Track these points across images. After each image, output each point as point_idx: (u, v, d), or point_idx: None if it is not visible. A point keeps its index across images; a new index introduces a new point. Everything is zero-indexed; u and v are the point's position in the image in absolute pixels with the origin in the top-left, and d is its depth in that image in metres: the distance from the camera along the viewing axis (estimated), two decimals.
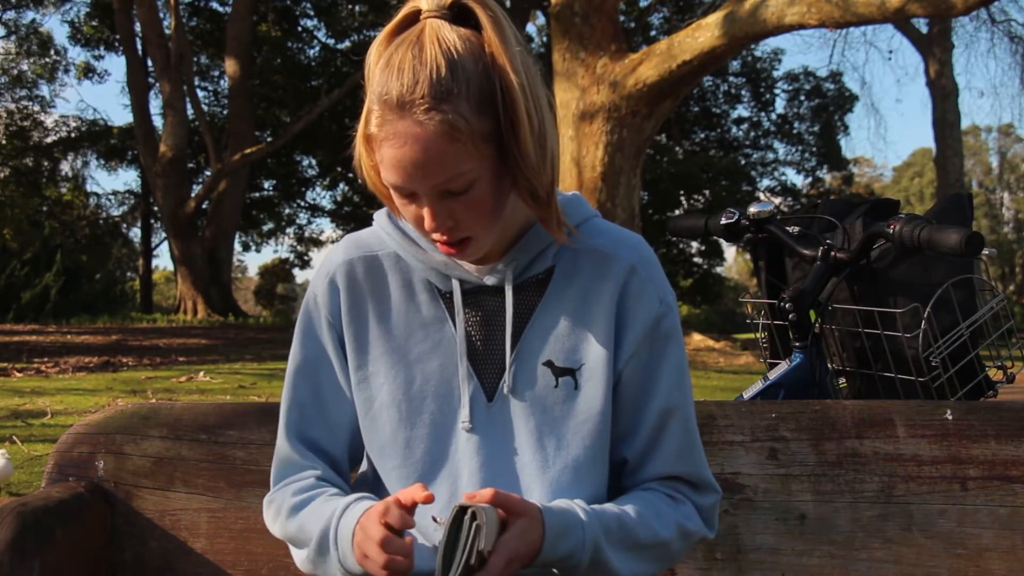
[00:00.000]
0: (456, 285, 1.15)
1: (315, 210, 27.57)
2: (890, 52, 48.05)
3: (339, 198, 27.03)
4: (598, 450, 1.15)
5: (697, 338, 11.82)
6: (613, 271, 1.15)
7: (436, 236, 1.08)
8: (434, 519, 1.08)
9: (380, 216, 1.21)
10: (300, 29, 23.74)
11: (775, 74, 26.70)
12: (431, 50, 0.99)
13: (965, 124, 41.05)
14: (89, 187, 32.56)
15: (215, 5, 23.60)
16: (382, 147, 1.02)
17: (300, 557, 1.17)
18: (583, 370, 1.14)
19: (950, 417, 1.38)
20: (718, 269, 28.09)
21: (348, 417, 1.20)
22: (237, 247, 25.64)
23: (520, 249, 1.15)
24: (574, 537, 1.06)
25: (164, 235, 22.19)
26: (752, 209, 2.04)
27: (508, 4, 24.60)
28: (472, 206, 1.04)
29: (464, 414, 1.14)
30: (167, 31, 18.92)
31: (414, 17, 1.03)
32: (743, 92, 26.98)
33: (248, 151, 18.10)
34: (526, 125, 1.01)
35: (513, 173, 1.04)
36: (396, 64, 1.00)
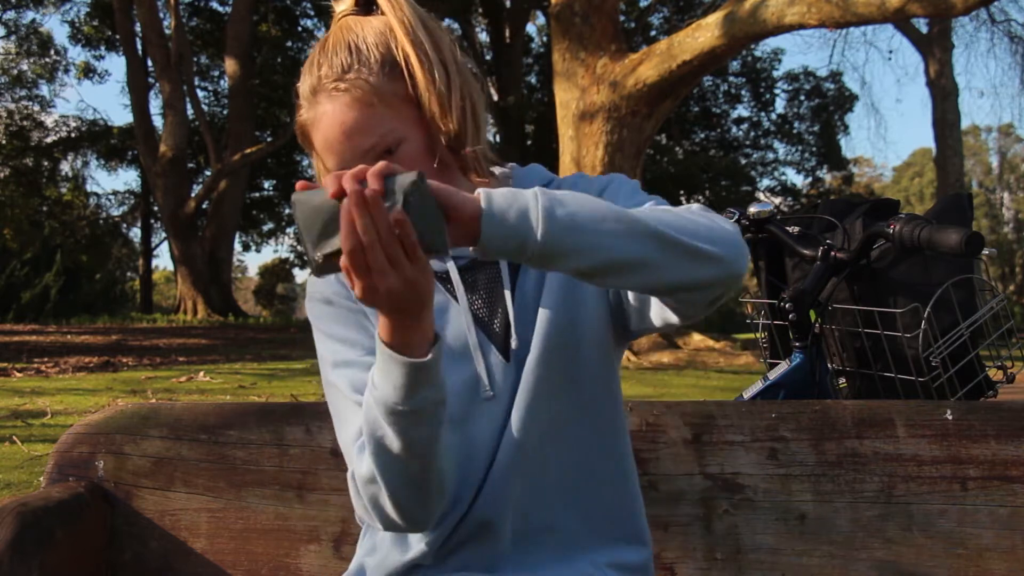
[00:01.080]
0: (451, 264, 1.19)
1: None
2: (890, 52, 48.12)
3: None
4: (607, 364, 1.19)
5: (697, 338, 11.80)
6: None
7: None
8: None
9: None
10: (300, 29, 23.76)
11: (775, 74, 26.73)
12: (332, 40, 1.11)
13: (965, 124, 41.07)
14: (89, 187, 32.61)
15: (215, 5, 23.63)
16: (313, 137, 1.11)
17: (369, 489, 1.10)
18: (591, 300, 1.17)
19: (950, 417, 1.38)
20: None
21: None
22: (237, 247, 25.67)
23: None
24: (520, 198, 0.95)
25: (164, 235, 22.21)
26: (752, 209, 2.04)
27: (508, 4, 24.64)
28: (408, 167, 1.06)
29: (484, 382, 1.15)
30: (167, 31, 18.93)
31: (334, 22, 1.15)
32: (743, 92, 27.00)
33: (248, 151, 18.11)
34: (423, 80, 1.08)
35: (430, 128, 1.10)
36: (308, 62, 1.12)
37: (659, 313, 1.11)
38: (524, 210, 0.94)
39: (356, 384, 1.13)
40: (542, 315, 1.16)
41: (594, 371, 1.19)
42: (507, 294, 1.17)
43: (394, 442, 1.03)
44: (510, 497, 1.15)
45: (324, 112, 1.09)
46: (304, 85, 1.11)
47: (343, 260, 0.92)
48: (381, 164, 0.93)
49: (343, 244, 0.91)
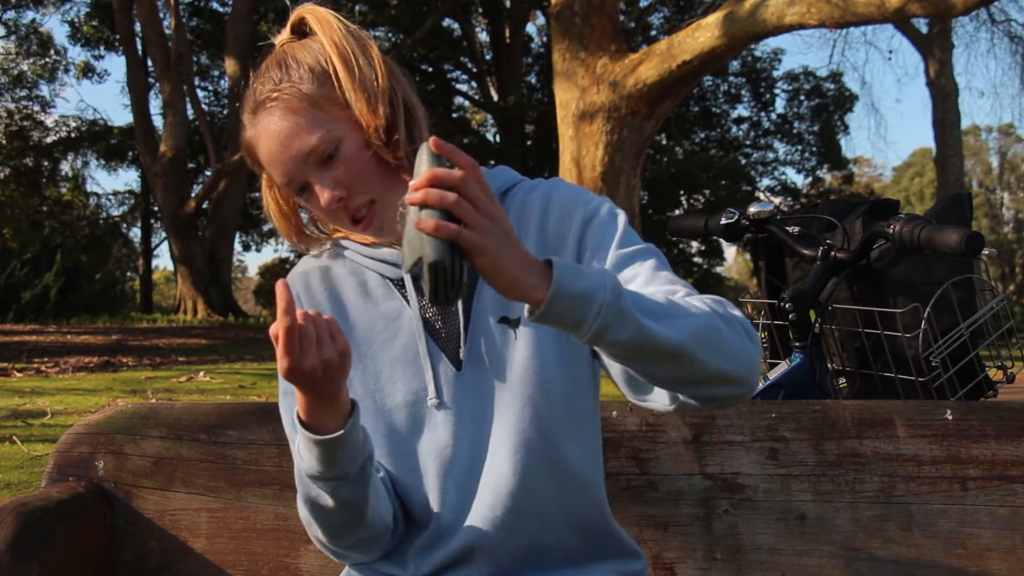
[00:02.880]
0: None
1: None
2: (890, 52, 48.10)
3: None
4: (573, 377, 1.17)
5: None
6: (532, 212, 1.19)
7: (341, 215, 1.14)
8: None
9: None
10: None
11: (775, 74, 26.71)
12: (265, 64, 1.17)
13: (965, 124, 41.06)
14: (89, 187, 32.52)
15: (215, 5, 23.64)
16: (258, 154, 1.15)
17: (302, 513, 1.17)
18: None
19: (950, 417, 1.38)
20: (718, 269, 28.14)
21: None
22: (237, 247, 25.67)
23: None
24: (590, 276, 0.95)
25: (164, 235, 22.21)
26: (752, 209, 2.04)
27: (508, 4, 24.62)
28: (351, 166, 1.12)
29: (431, 390, 1.16)
30: (167, 31, 18.92)
31: None
32: (743, 92, 26.99)
33: None
34: (347, 80, 1.12)
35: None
36: (248, 89, 1.18)
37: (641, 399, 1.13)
38: (580, 321, 0.94)
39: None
40: (498, 327, 1.16)
41: (576, 384, 1.17)
42: (459, 304, 1.18)
43: (327, 501, 1.10)
44: (500, 520, 1.15)
45: (263, 126, 1.13)
46: (245, 108, 1.17)
47: (277, 338, 0.98)
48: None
49: (279, 326, 0.97)
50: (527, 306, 0.94)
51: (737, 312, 1.07)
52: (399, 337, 1.18)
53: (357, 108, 1.12)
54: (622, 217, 1.18)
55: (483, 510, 1.15)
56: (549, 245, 1.17)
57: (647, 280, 1.10)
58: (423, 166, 0.91)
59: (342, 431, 1.05)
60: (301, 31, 1.19)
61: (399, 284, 1.21)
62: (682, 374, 1.00)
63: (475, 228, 0.89)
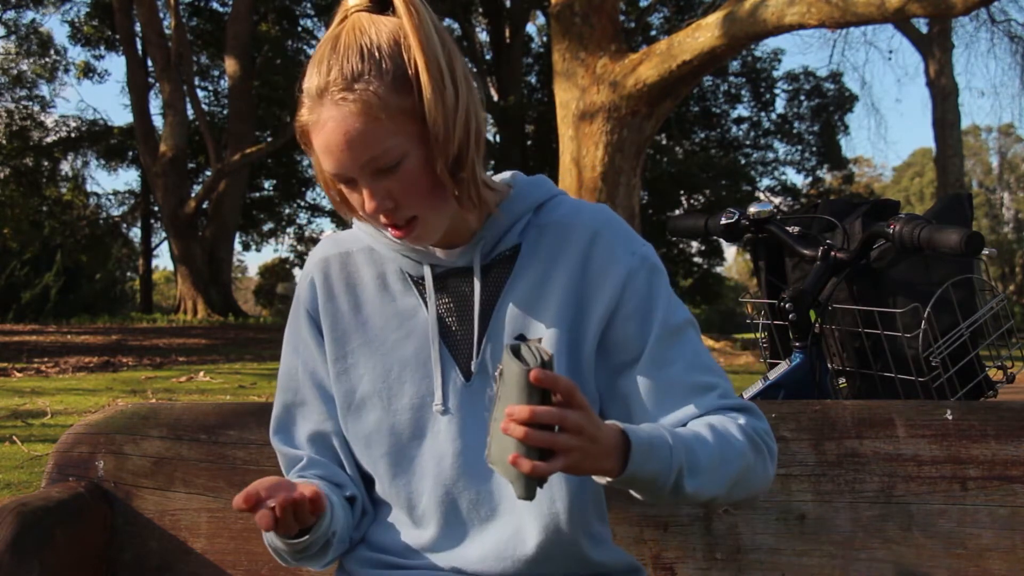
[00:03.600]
0: (427, 270, 1.17)
1: (315, 210, 27.59)
2: (890, 52, 48.15)
3: None
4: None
5: None
6: (574, 239, 1.16)
7: (382, 219, 1.10)
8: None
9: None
10: (300, 29, 23.76)
11: (775, 74, 26.73)
12: (345, 40, 1.05)
13: (965, 124, 41.06)
14: (89, 187, 32.55)
15: (215, 5, 23.64)
16: (313, 138, 1.07)
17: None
18: (548, 340, 1.14)
19: (950, 417, 1.38)
20: (718, 269, 28.12)
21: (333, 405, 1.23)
22: (237, 247, 25.69)
23: (487, 229, 1.16)
24: (660, 458, 1.02)
25: (164, 235, 22.22)
26: (752, 209, 2.04)
27: (508, 4, 24.63)
28: (407, 183, 1.06)
29: (437, 396, 1.15)
30: (167, 31, 18.93)
31: (346, 16, 1.08)
32: (743, 92, 27.00)
33: (248, 151, 18.11)
34: (431, 97, 1.03)
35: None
36: (317, 59, 1.06)
37: None
38: (642, 495, 1.05)
39: (281, 423, 1.24)
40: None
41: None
42: (475, 314, 1.16)
43: (289, 560, 1.15)
44: (504, 540, 1.14)
45: (330, 117, 1.04)
46: (310, 83, 1.05)
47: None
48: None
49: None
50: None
51: (764, 425, 1.14)
52: (412, 337, 1.17)
53: (433, 129, 1.04)
54: (664, 277, 1.18)
55: (486, 528, 1.15)
56: (589, 278, 1.15)
57: (688, 367, 1.13)
58: (518, 392, 0.91)
59: (307, 537, 1.11)
60: (382, 3, 1.07)
61: (418, 281, 1.19)
62: (712, 506, 1.18)
63: (570, 454, 0.93)
